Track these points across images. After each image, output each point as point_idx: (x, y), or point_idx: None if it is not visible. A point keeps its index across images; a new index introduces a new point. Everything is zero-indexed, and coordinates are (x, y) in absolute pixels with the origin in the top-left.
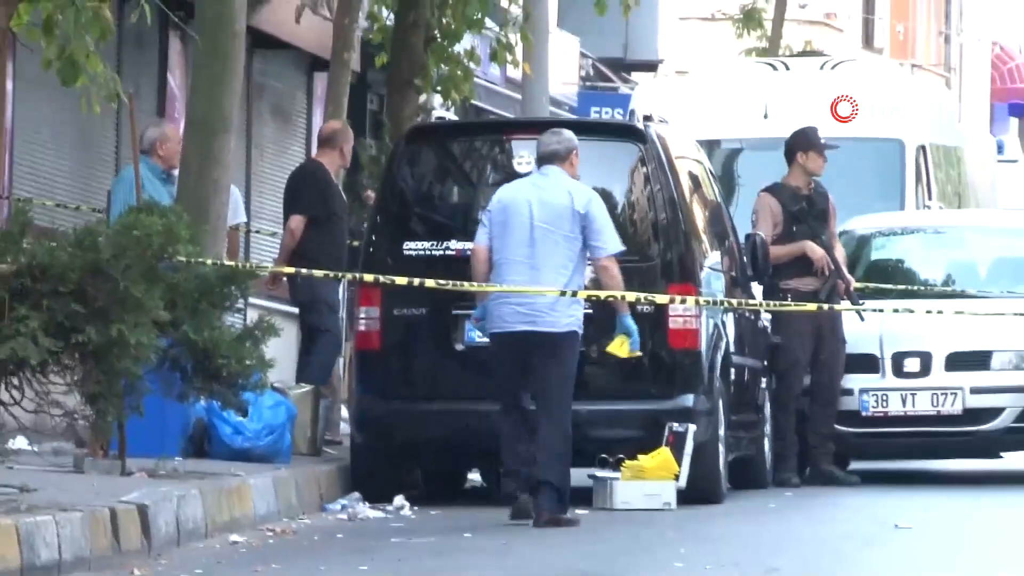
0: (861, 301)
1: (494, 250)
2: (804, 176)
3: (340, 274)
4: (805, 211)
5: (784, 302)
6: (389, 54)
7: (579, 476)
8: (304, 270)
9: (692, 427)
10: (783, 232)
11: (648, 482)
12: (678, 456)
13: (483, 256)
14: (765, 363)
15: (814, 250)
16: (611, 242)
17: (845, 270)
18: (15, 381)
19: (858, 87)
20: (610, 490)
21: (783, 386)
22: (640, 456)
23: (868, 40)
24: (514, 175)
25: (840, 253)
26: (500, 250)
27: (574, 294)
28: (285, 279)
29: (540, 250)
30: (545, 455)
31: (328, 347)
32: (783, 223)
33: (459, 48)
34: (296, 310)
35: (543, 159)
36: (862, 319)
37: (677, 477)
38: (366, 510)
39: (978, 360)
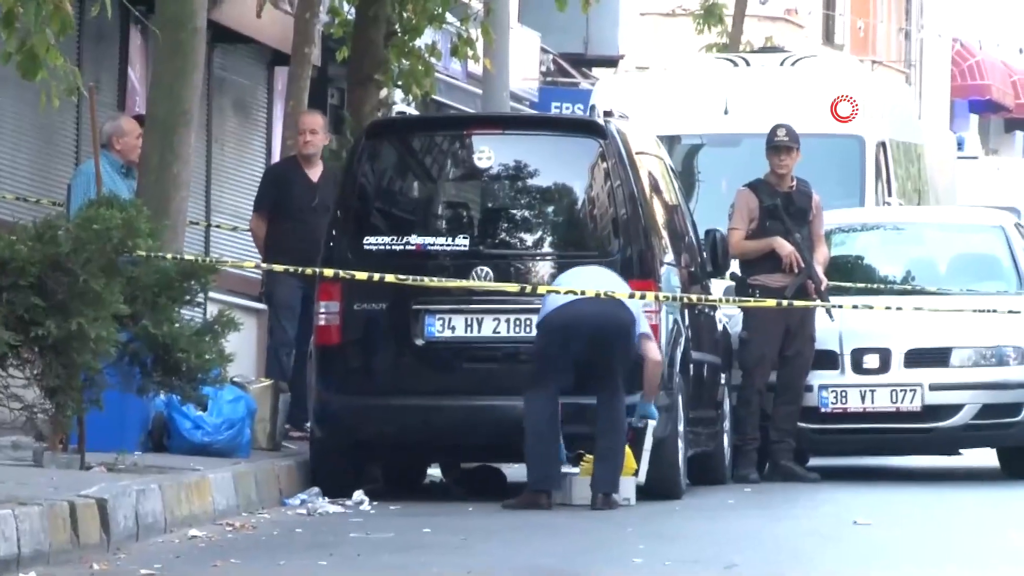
0: (828, 299)
1: None
2: (774, 173)
3: (298, 269)
4: (779, 208)
5: (748, 298)
6: (350, 49)
7: None
8: (264, 264)
9: (652, 423)
10: (757, 227)
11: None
12: (637, 453)
13: None
14: (725, 359)
15: (782, 246)
16: None
17: (821, 271)
18: None
19: (818, 83)
20: (569, 485)
21: (747, 381)
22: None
23: (829, 36)
24: (475, 170)
25: (821, 255)
26: None
27: (534, 289)
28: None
29: None
30: None
31: (272, 343)
32: (758, 219)
33: (420, 43)
34: (258, 305)
35: None
36: (831, 318)
37: (636, 473)
38: (325, 505)
39: (937, 357)
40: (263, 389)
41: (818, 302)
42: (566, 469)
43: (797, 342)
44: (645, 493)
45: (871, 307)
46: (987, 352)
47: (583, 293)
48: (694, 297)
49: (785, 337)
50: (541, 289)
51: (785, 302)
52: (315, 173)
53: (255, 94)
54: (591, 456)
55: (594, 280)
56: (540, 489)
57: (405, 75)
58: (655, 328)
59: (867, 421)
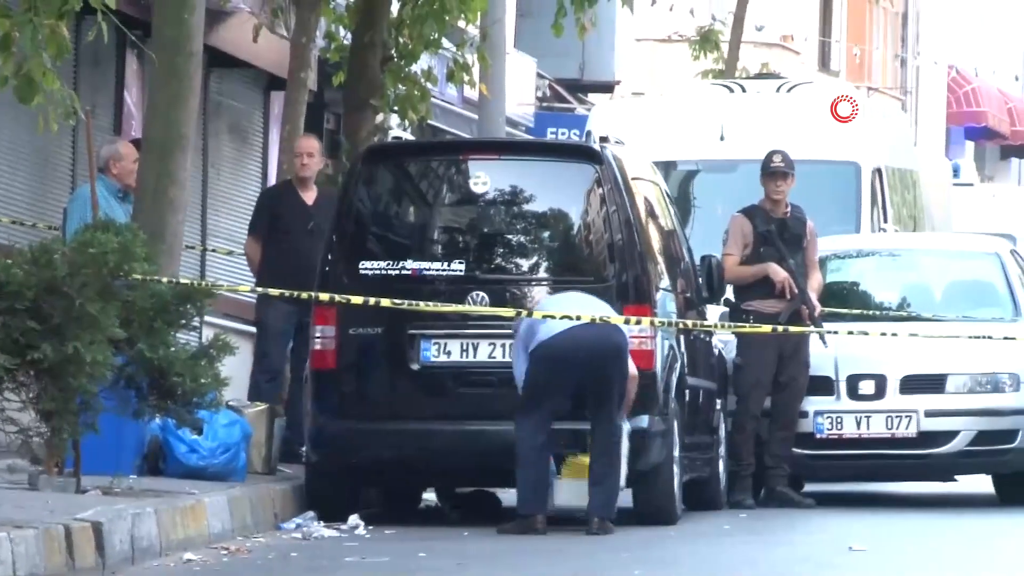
0: (822, 324)
1: None
2: (770, 199)
3: (294, 294)
4: (774, 233)
5: (742, 323)
6: (346, 73)
7: None
8: (260, 288)
9: (627, 426)
10: (752, 253)
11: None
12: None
13: None
14: (721, 384)
15: (776, 272)
16: None
17: (815, 297)
18: None
19: (814, 110)
20: (551, 489)
21: (742, 407)
22: (580, 454)
23: (825, 63)
24: (471, 196)
25: (816, 281)
26: None
27: (529, 314)
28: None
29: None
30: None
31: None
32: (752, 244)
33: (416, 68)
34: (253, 329)
35: None
36: (825, 344)
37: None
38: (321, 529)
39: (933, 383)
40: (259, 413)
41: (812, 328)
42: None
43: (791, 368)
44: (640, 518)
45: (867, 333)
46: (982, 379)
47: (578, 318)
48: (689, 323)
49: (779, 363)
50: (537, 314)
51: (780, 328)
52: (310, 197)
53: (251, 118)
54: (572, 459)
55: (584, 306)
56: (529, 513)
57: (401, 100)
58: (650, 353)
59: (863, 447)
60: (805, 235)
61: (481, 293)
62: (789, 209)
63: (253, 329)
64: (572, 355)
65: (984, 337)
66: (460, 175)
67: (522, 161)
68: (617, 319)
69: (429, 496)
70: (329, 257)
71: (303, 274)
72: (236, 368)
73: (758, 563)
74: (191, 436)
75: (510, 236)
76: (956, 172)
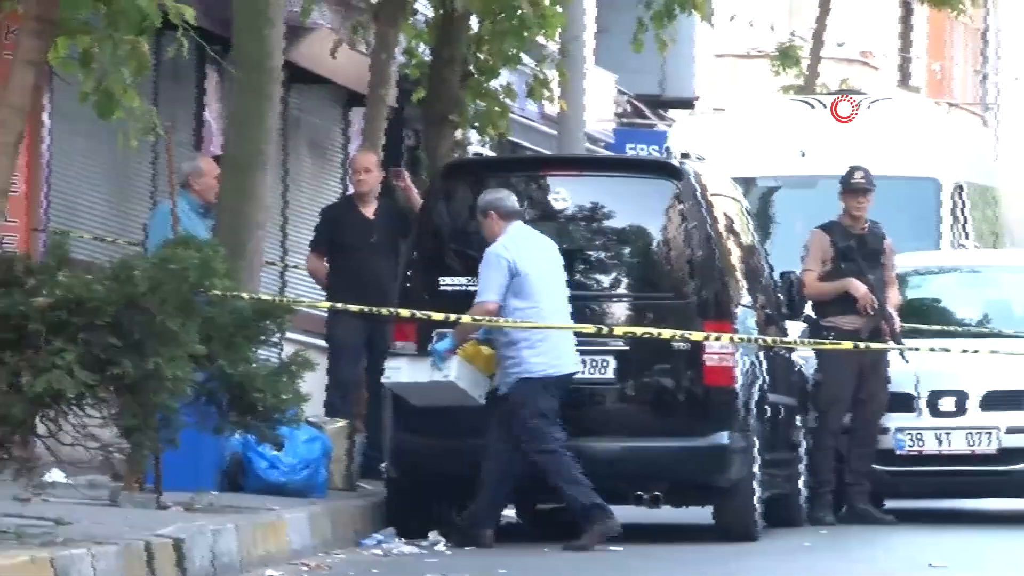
0: (903, 341)
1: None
2: (849, 215)
3: (374, 309)
4: (853, 249)
5: (822, 340)
6: (426, 89)
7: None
8: (340, 305)
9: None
10: (831, 269)
11: (477, 371)
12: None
13: None
14: (801, 401)
15: (857, 288)
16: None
17: (894, 313)
18: (51, 414)
19: (895, 125)
20: (448, 362)
21: (822, 424)
22: (479, 346)
23: (905, 78)
24: (550, 211)
25: (894, 297)
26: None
27: (609, 331)
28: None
29: None
30: None
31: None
32: (832, 260)
33: (496, 84)
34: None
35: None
36: (906, 360)
37: (493, 378)
38: (401, 545)
39: (1014, 400)
40: (339, 429)
41: (893, 344)
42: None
43: (871, 384)
44: (721, 534)
45: (947, 350)
46: None
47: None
48: (770, 339)
49: (859, 379)
50: (617, 331)
51: (861, 344)
52: (370, 211)
53: (331, 134)
54: (470, 346)
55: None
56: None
57: (481, 116)
58: (731, 370)
59: (943, 464)
60: (883, 251)
61: None
62: (868, 225)
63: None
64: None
65: None
66: (540, 191)
67: (601, 177)
68: (697, 335)
69: (509, 512)
70: (409, 273)
71: (367, 288)
72: (316, 384)
73: None
74: (271, 452)
75: (589, 252)
76: None
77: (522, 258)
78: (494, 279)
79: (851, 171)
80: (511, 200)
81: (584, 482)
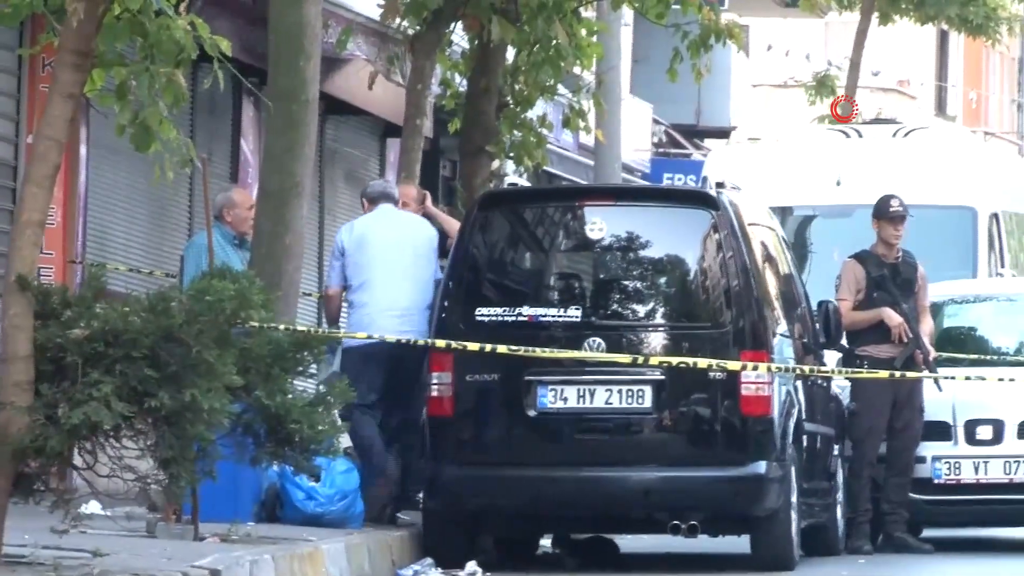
0: (936, 370)
1: None
2: (884, 244)
3: (413, 340)
4: (887, 278)
5: (858, 369)
6: (462, 120)
7: (649, 543)
8: (377, 335)
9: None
10: (865, 298)
11: None
12: None
13: None
14: (838, 430)
15: (891, 317)
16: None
17: (927, 341)
18: (88, 446)
19: (931, 154)
20: None
21: (858, 453)
22: None
23: (941, 107)
24: (587, 242)
25: (927, 326)
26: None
27: (646, 361)
28: None
29: None
30: None
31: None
32: (865, 289)
33: (532, 114)
34: None
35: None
36: (940, 389)
37: None
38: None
39: None
40: None
41: (928, 373)
42: None
43: (906, 413)
44: (758, 563)
45: (983, 378)
46: None
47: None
48: (806, 368)
49: (893, 409)
50: (653, 360)
51: (897, 373)
52: None
53: (367, 165)
54: None
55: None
56: None
57: (517, 146)
58: (767, 399)
59: (981, 492)
60: (916, 280)
61: (597, 339)
62: (901, 254)
63: None
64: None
65: None
66: (576, 221)
67: (638, 207)
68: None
69: (546, 542)
70: (445, 303)
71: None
72: None
73: None
74: (308, 483)
75: (626, 282)
76: None
77: (355, 238)
78: (332, 265)
79: (887, 199)
80: (379, 185)
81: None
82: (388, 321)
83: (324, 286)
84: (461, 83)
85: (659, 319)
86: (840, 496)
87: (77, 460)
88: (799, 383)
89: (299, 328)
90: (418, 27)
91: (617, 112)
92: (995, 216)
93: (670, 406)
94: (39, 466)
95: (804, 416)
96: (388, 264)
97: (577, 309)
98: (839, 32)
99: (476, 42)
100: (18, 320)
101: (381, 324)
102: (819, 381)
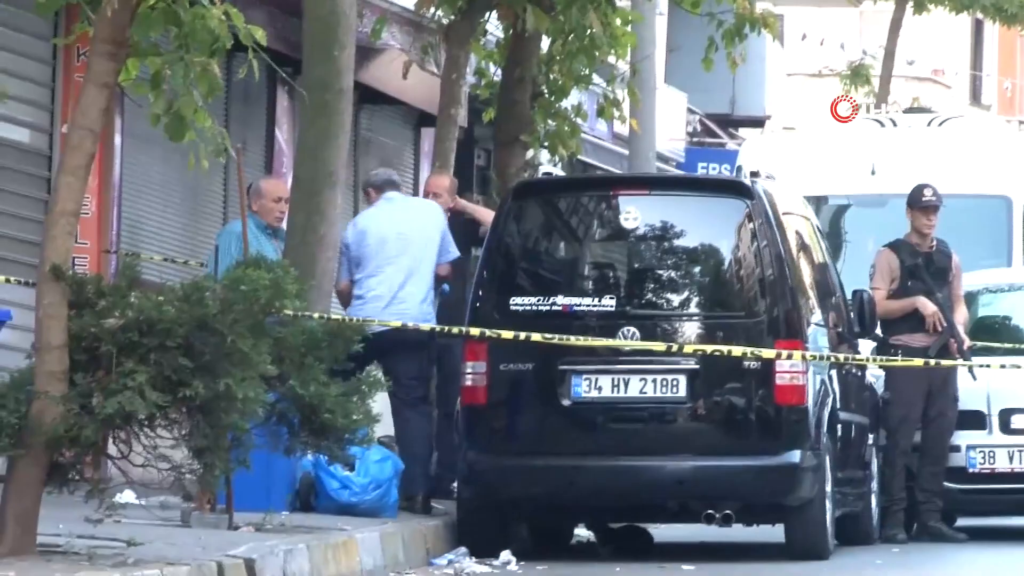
0: (970, 359)
1: None
2: (918, 233)
3: (447, 328)
4: (921, 267)
5: (892, 357)
6: (496, 110)
7: (684, 532)
8: (411, 324)
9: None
10: (899, 287)
11: None
12: None
13: None
14: (873, 419)
15: (925, 306)
16: None
17: (962, 331)
18: (123, 435)
19: (965, 144)
20: None
21: (892, 442)
22: None
23: (976, 96)
24: (621, 231)
25: (961, 315)
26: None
27: (680, 349)
28: None
29: None
30: None
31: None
32: (899, 278)
33: (566, 104)
34: None
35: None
36: (974, 378)
37: None
38: (472, 565)
39: None
40: None
41: (963, 361)
42: None
43: (940, 402)
44: (792, 553)
45: (1018, 367)
46: None
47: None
48: (840, 357)
49: (927, 398)
50: (687, 348)
51: (932, 361)
52: None
53: (402, 155)
54: None
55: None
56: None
57: (551, 136)
58: (802, 388)
59: (1015, 481)
60: (951, 269)
61: (632, 328)
62: (935, 243)
63: None
64: None
65: None
66: (610, 210)
67: (672, 196)
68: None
69: (581, 531)
70: (480, 293)
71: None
72: (387, 404)
73: None
74: (343, 472)
75: (660, 271)
76: None
77: (356, 233)
78: (340, 261)
79: (921, 188)
80: (383, 173)
81: None
82: (377, 313)
83: (334, 282)
84: (496, 72)
85: (693, 308)
86: (874, 485)
87: (111, 450)
88: (833, 372)
89: (333, 317)
90: (452, 16)
91: (651, 101)
92: None
93: (704, 395)
94: (73, 456)
95: (838, 405)
96: (382, 258)
97: (611, 298)
98: (874, 21)
99: (510, 31)
100: (52, 310)
101: (370, 316)
102: (853, 370)
